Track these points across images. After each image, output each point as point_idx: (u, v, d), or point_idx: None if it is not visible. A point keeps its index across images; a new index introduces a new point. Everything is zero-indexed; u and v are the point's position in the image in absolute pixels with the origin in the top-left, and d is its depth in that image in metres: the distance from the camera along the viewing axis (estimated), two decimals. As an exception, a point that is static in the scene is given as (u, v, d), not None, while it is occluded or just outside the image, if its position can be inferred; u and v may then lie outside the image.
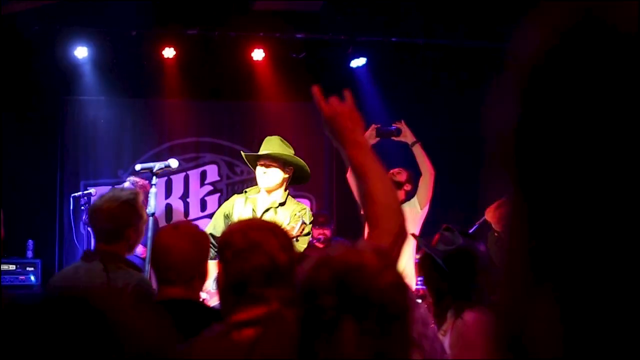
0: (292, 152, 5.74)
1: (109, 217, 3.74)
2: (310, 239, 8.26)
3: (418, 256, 6.89)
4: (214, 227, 5.59)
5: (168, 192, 9.37)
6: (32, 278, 8.37)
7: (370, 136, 7.03)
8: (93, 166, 9.18)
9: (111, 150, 9.32)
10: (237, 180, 9.40)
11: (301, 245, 5.41)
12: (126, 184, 8.01)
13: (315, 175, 9.59)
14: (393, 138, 7.04)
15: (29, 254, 8.64)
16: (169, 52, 8.96)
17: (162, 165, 5.25)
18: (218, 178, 9.40)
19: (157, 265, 3.25)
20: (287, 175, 5.68)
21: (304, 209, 5.65)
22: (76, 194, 7.60)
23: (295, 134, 9.56)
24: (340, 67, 9.48)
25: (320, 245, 8.34)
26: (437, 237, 3.49)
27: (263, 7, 8.32)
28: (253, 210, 5.64)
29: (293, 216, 5.52)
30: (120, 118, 9.37)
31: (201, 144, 9.44)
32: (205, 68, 9.22)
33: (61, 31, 8.59)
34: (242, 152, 6.03)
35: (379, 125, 7.07)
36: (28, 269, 8.43)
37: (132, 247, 3.88)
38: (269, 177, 5.60)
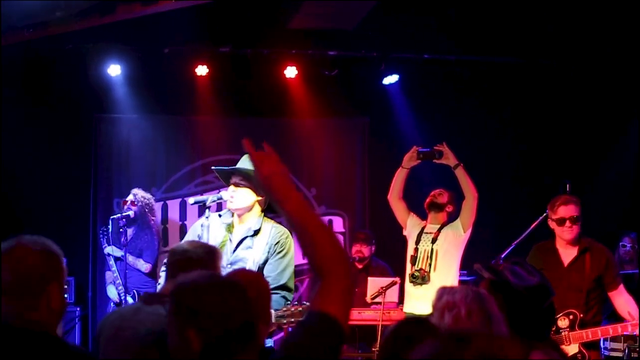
0: None
1: (196, 262, 3.65)
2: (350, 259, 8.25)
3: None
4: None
5: (201, 210, 9.31)
6: (65, 296, 8.34)
7: (411, 158, 6.98)
8: (126, 184, 9.17)
9: (144, 168, 9.33)
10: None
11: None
12: (130, 197, 8.08)
13: (348, 192, 9.59)
14: (434, 161, 6.96)
15: (62, 272, 8.61)
16: (201, 70, 8.96)
17: (215, 198, 5.24)
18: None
19: None
20: (260, 198, 5.26)
21: (281, 234, 5.22)
22: (115, 216, 7.59)
23: (328, 150, 9.57)
24: (372, 84, 9.45)
25: (359, 265, 8.25)
26: (502, 269, 3.36)
27: (298, 26, 8.29)
28: (230, 240, 5.28)
29: (272, 246, 5.15)
30: (153, 136, 9.37)
31: (234, 161, 9.35)
32: (238, 85, 9.23)
33: (94, 49, 8.62)
34: (212, 167, 5.69)
35: (419, 148, 7.01)
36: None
37: None
38: (237, 199, 5.22)
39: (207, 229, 5.13)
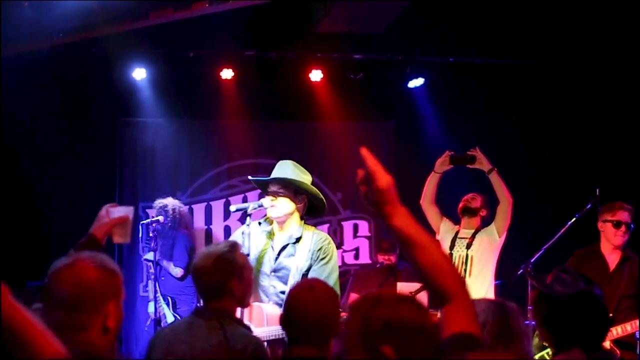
0: (309, 178, 5.32)
1: (208, 275, 3.70)
2: (377, 264, 8.19)
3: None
4: None
5: (226, 214, 9.32)
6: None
7: (443, 163, 6.91)
8: (151, 188, 9.15)
9: (169, 172, 9.30)
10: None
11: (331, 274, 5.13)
12: (155, 211, 8.05)
13: (374, 196, 9.50)
14: (468, 166, 6.90)
15: (87, 276, 8.59)
16: (226, 73, 8.93)
17: (256, 205, 5.20)
18: (276, 200, 9.31)
19: (292, 325, 3.33)
20: (299, 205, 5.26)
21: (323, 240, 5.23)
22: (145, 221, 7.56)
23: (353, 154, 9.46)
24: (397, 88, 9.41)
25: (385, 271, 8.18)
26: (550, 277, 3.32)
27: (327, 29, 8.25)
28: (272, 248, 5.28)
29: (314, 252, 5.15)
30: (178, 139, 9.33)
31: (259, 165, 9.38)
32: (263, 89, 9.20)
33: (119, 53, 8.58)
34: (249, 177, 5.67)
35: (452, 152, 6.94)
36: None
37: (240, 300, 3.80)
38: (277, 209, 5.20)
39: (249, 237, 5.09)
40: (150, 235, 7.33)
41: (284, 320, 3.38)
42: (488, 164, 6.78)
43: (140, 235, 7.54)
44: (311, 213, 5.41)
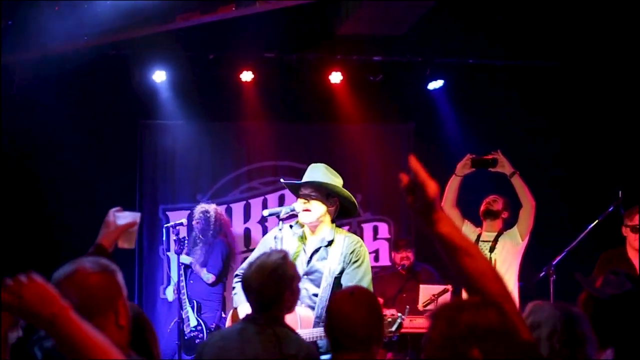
0: (340, 181, 5.29)
1: (261, 287, 3.71)
2: (397, 267, 8.18)
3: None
4: None
5: (246, 217, 9.32)
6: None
7: (465, 166, 6.87)
8: (171, 190, 9.16)
9: (189, 174, 9.29)
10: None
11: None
12: (196, 215, 8.04)
13: (394, 198, 9.50)
14: (490, 169, 6.87)
15: (107, 278, 8.60)
16: (246, 76, 8.93)
17: (288, 210, 5.20)
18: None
19: (334, 332, 3.32)
20: (331, 208, 5.23)
21: (355, 242, 5.22)
22: (168, 224, 7.56)
23: (373, 156, 9.51)
24: (417, 90, 9.38)
25: (404, 273, 8.18)
26: (600, 279, 3.30)
27: (349, 31, 8.24)
28: (304, 251, 5.25)
29: (347, 255, 5.14)
30: (198, 142, 9.32)
31: (280, 167, 9.38)
32: (283, 91, 9.19)
33: (139, 55, 8.59)
34: (281, 180, 5.64)
35: (473, 156, 6.90)
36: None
37: (289, 308, 3.84)
38: (310, 213, 5.18)
39: (281, 241, 5.09)
40: (174, 239, 7.31)
41: (327, 328, 3.38)
42: (510, 167, 6.75)
43: (164, 238, 7.53)
44: (342, 216, 5.40)
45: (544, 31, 8.60)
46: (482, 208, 6.94)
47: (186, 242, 8.08)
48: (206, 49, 8.70)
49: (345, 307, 3.30)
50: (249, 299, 3.76)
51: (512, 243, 6.76)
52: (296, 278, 3.84)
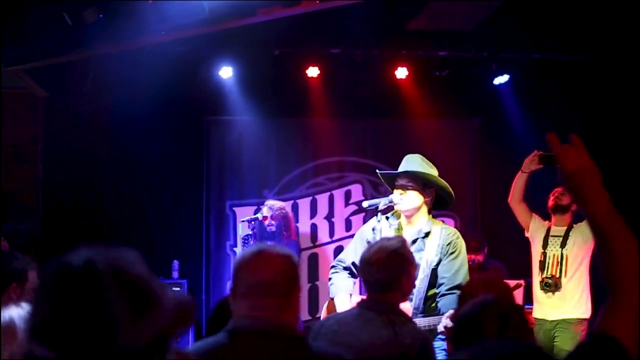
0: (435, 172, 5.27)
1: (380, 268, 3.68)
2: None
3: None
4: (355, 254, 5.24)
5: (313, 212, 9.33)
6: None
7: (532, 162, 6.79)
8: (238, 186, 9.19)
9: (256, 170, 9.31)
10: (382, 200, 9.30)
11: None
12: (264, 209, 7.99)
13: (460, 193, 9.40)
14: (558, 165, 6.76)
15: (175, 274, 8.69)
16: (312, 71, 8.94)
17: (387, 201, 5.18)
18: (362, 198, 9.26)
19: None
20: (427, 198, 5.21)
21: (452, 234, 5.20)
22: (244, 219, 7.58)
23: (439, 151, 9.39)
24: (483, 85, 9.33)
25: (474, 269, 8.13)
26: None
27: (419, 27, 8.20)
28: None
29: (444, 247, 5.11)
30: (265, 138, 9.35)
31: (345, 163, 9.38)
32: (349, 86, 9.17)
33: (206, 52, 8.62)
34: (377, 170, 5.63)
35: (541, 152, 6.81)
36: (174, 289, 8.44)
37: (406, 294, 3.84)
38: (406, 202, 5.15)
39: (380, 233, 5.07)
40: (251, 232, 7.32)
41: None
42: None
43: (239, 233, 7.54)
44: (438, 206, 5.39)
45: (611, 27, 8.50)
46: (550, 203, 6.88)
47: (251, 238, 8.06)
48: (272, 45, 8.70)
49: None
50: (366, 280, 3.74)
51: (584, 239, 6.69)
52: (414, 263, 3.83)
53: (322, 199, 9.32)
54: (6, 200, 8.36)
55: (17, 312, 2.60)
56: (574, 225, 6.80)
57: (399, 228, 5.25)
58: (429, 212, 5.26)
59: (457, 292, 4.91)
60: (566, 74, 9.23)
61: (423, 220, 5.20)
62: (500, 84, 9.32)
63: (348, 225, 9.33)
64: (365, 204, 5.27)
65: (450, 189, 5.29)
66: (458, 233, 5.24)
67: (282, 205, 8.26)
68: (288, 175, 9.28)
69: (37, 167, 8.69)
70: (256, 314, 2.59)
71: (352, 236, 8.82)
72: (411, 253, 3.81)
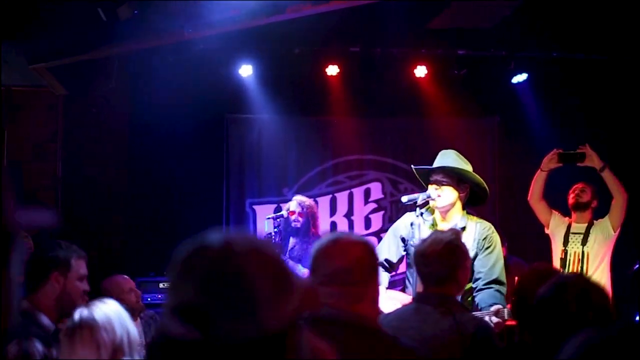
0: (470, 168, 5.27)
1: (436, 260, 3.67)
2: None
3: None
4: (389, 250, 5.32)
5: (333, 210, 9.34)
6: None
7: (551, 161, 6.80)
8: (258, 184, 9.20)
9: (275, 168, 9.33)
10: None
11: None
12: (292, 204, 7.92)
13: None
14: (578, 164, 6.78)
15: (195, 272, 8.64)
16: (332, 70, 8.94)
17: (425, 196, 5.18)
18: (382, 196, 9.30)
19: (524, 311, 3.28)
20: (462, 194, 5.21)
21: (487, 229, 5.22)
22: (270, 216, 7.56)
23: (458, 150, 9.30)
24: (501, 83, 9.33)
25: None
26: None
27: (439, 25, 8.20)
28: None
29: (479, 241, 5.13)
30: (284, 136, 9.36)
31: (365, 161, 9.38)
32: (368, 85, 9.18)
33: (226, 50, 8.62)
34: (412, 166, 5.60)
35: (561, 150, 6.82)
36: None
37: (461, 287, 3.83)
38: (442, 198, 5.16)
39: (419, 228, 5.08)
40: (275, 230, 7.30)
41: (516, 308, 3.36)
42: (599, 161, 6.65)
43: (266, 229, 7.52)
44: (472, 202, 5.37)
45: (630, 26, 8.49)
46: (570, 200, 6.88)
47: (276, 235, 8.01)
48: (292, 44, 8.71)
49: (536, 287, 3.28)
50: (422, 273, 3.73)
51: (604, 236, 6.70)
52: (468, 256, 3.83)
53: (342, 197, 9.33)
54: (25, 198, 8.36)
55: (109, 309, 2.61)
56: (595, 222, 6.81)
57: (434, 224, 5.26)
58: (463, 208, 5.26)
59: (496, 286, 4.94)
60: (585, 72, 9.23)
61: (458, 216, 5.22)
62: (519, 83, 9.32)
63: (367, 223, 9.33)
64: (404, 199, 5.27)
65: (485, 184, 5.29)
66: (493, 227, 5.26)
67: (311, 201, 8.23)
68: (308, 174, 9.29)
69: (56, 165, 8.68)
70: (332, 302, 2.59)
71: (372, 234, 8.90)
72: (465, 245, 3.81)
